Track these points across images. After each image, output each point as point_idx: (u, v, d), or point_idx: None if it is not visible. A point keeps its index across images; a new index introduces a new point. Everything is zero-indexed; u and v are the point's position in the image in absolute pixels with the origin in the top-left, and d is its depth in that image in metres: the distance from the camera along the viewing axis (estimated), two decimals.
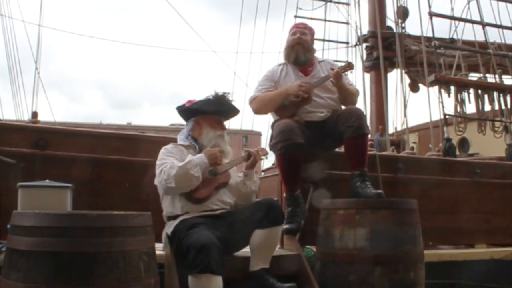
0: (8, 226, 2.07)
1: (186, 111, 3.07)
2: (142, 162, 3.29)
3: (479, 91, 5.41)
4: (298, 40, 3.56)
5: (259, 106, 3.50)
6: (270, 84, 3.52)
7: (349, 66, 3.66)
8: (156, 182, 2.80)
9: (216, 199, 2.86)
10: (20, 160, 3.13)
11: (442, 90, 5.19)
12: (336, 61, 6.25)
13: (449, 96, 5.29)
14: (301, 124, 3.33)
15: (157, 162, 2.83)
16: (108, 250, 1.94)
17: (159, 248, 2.73)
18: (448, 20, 6.45)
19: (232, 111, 3.12)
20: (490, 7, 6.43)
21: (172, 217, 2.82)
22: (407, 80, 7.56)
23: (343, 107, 3.56)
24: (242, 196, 2.99)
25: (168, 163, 2.76)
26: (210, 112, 3.01)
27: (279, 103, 3.43)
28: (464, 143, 8.01)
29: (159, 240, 2.69)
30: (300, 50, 3.55)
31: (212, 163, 2.85)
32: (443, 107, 5.07)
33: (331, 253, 2.89)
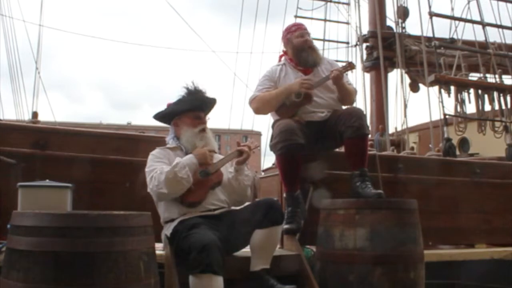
0: (8, 226, 2.07)
1: (163, 118, 3.04)
2: (142, 162, 3.28)
3: (479, 91, 5.42)
4: (309, 43, 3.57)
5: (259, 106, 3.48)
6: (270, 84, 3.51)
7: (350, 66, 3.66)
8: (148, 189, 2.79)
9: (212, 199, 2.85)
10: (20, 160, 3.13)
11: (442, 90, 5.19)
12: (336, 61, 6.26)
13: (449, 96, 5.30)
14: (302, 124, 3.32)
15: (146, 169, 2.82)
16: (108, 250, 1.94)
17: (159, 248, 2.73)
18: (448, 20, 6.45)
19: (208, 103, 3.05)
20: (490, 7, 6.46)
21: (170, 221, 2.81)
22: (407, 80, 7.57)
23: (342, 106, 3.56)
24: (236, 191, 2.95)
25: (158, 168, 2.74)
26: (184, 111, 2.97)
27: (280, 102, 3.41)
28: (464, 143, 8.01)
29: (159, 240, 2.69)
30: (312, 53, 3.55)
31: (202, 163, 2.82)
32: (443, 107, 5.08)
33: (331, 253, 2.88)
